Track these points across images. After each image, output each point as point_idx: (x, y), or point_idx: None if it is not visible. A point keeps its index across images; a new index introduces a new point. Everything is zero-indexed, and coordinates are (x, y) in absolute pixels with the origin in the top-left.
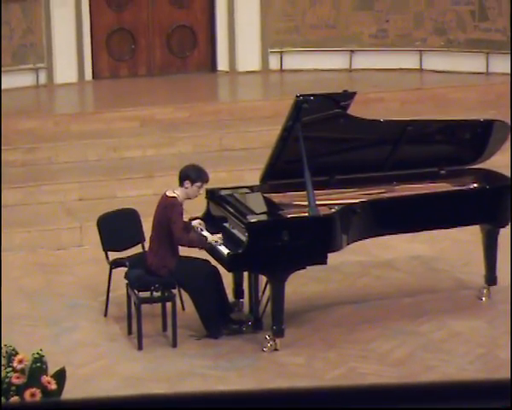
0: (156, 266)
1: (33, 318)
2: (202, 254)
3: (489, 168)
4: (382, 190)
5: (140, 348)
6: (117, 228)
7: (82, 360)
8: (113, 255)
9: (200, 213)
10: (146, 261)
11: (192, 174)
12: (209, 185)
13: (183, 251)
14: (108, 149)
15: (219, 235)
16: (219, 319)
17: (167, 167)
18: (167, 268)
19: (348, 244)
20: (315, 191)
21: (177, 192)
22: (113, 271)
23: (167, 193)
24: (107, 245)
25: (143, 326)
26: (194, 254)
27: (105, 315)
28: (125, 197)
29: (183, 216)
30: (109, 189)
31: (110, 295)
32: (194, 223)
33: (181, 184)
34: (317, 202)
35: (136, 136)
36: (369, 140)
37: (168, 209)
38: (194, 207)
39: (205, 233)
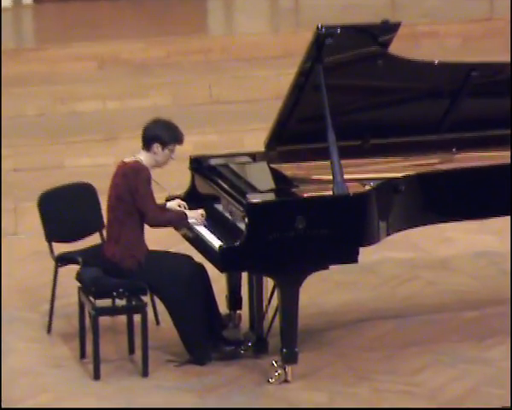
0: (120, 257)
1: None
2: (183, 248)
3: None
4: (436, 160)
5: (97, 377)
6: (65, 210)
7: (19, 393)
8: (59, 248)
9: (180, 192)
10: (104, 255)
11: (163, 134)
12: (195, 152)
13: (156, 243)
14: (54, 100)
15: (200, 211)
16: (207, 339)
17: (136, 126)
18: (135, 259)
19: (388, 235)
20: (342, 161)
21: (139, 157)
22: (60, 269)
23: (125, 160)
24: (52, 234)
25: (102, 347)
26: (171, 249)
27: (48, 332)
28: (76, 167)
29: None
30: (55, 155)
31: (56, 303)
32: (172, 204)
33: (147, 147)
34: (345, 176)
35: (92, 82)
36: (418, 90)
37: (130, 177)
38: (172, 181)
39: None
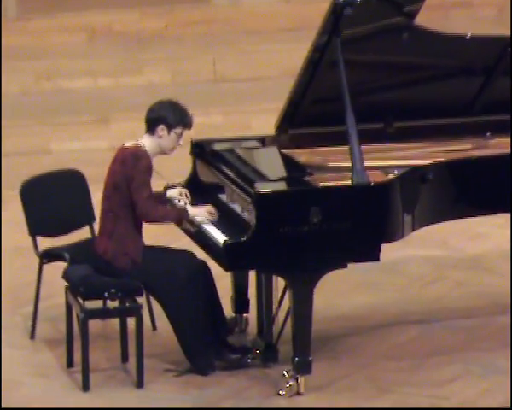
0: (112, 254)
1: None
2: (184, 244)
3: None
4: (468, 146)
5: (86, 388)
6: (51, 201)
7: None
8: (44, 243)
9: (181, 179)
10: (96, 250)
11: (169, 115)
12: (197, 135)
13: (153, 237)
14: (39, 76)
15: (208, 207)
16: (210, 346)
17: (130, 106)
18: (129, 257)
19: (414, 230)
20: (362, 147)
21: (142, 142)
22: (45, 267)
23: (126, 144)
24: (36, 227)
25: (92, 355)
26: (171, 244)
27: (32, 337)
28: (64, 152)
29: (152, 179)
30: (39, 139)
31: (40, 305)
32: (173, 193)
33: (151, 130)
34: (366, 164)
35: (81, 56)
36: (448, 67)
37: (129, 164)
38: (172, 168)
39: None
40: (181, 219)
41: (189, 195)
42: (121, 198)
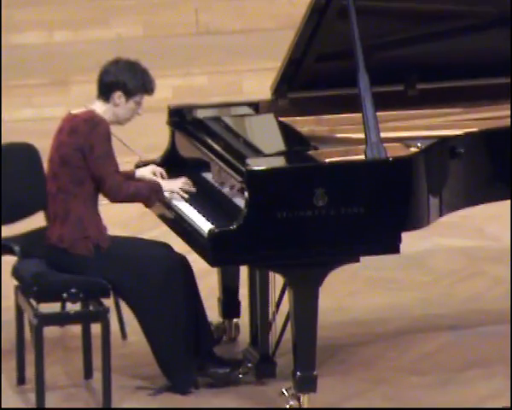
0: (69, 240)
1: None
2: (160, 234)
3: None
4: (508, 113)
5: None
6: None
7: None
8: None
9: (156, 155)
10: (49, 240)
11: (128, 80)
12: (175, 100)
13: (121, 225)
14: None
15: (182, 179)
16: (191, 358)
17: (93, 66)
18: (90, 241)
19: (442, 216)
20: (378, 113)
21: (93, 108)
22: None
23: (74, 111)
24: None
25: (48, 369)
26: (144, 236)
27: None
28: (13, 122)
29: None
30: None
31: None
32: (144, 172)
33: (105, 96)
34: (383, 134)
35: (34, 4)
36: (483, 16)
37: (83, 132)
38: (144, 141)
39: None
40: (153, 195)
41: (164, 174)
42: (73, 174)
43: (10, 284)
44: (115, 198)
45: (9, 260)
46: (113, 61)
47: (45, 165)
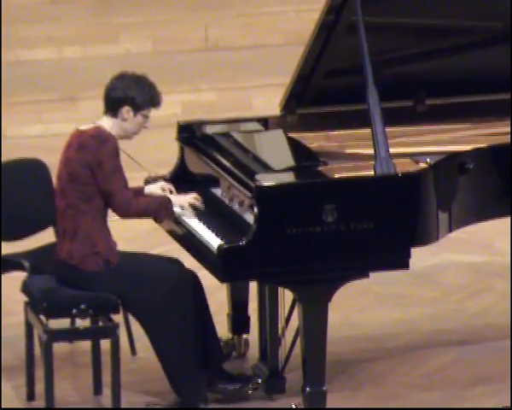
0: (79, 256)
1: None
2: (168, 250)
3: None
4: None
5: None
6: (7, 197)
7: None
8: None
9: (165, 171)
10: (58, 257)
11: (136, 94)
12: (185, 116)
13: (131, 242)
14: None
15: (192, 195)
16: (201, 374)
17: (102, 82)
18: (100, 256)
19: (451, 231)
20: (388, 129)
21: (101, 124)
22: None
23: (82, 127)
24: None
25: (58, 385)
26: (154, 251)
27: None
28: (22, 138)
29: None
30: None
31: None
32: (153, 189)
33: (113, 111)
34: (392, 150)
35: (43, 21)
36: (492, 31)
37: (91, 149)
38: (154, 156)
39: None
40: (163, 210)
41: (173, 190)
42: (82, 190)
43: (20, 299)
44: (124, 214)
45: (19, 276)
46: (119, 76)
47: (54, 180)
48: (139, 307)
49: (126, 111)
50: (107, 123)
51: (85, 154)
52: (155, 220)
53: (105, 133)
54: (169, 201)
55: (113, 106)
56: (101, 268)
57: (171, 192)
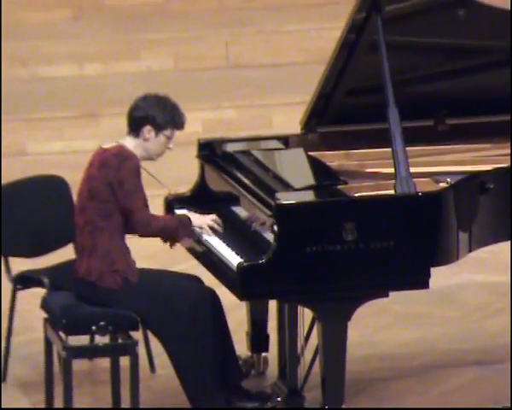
0: (97, 273)
1: None
2: (188, 268)
3: None
4: None
5: None
6: (27, 213)
7: None
8: (18, 265)
9: (185, 188)
10: (77, 273)
11: (157, 115)
12: (205, 134)
13: (150, 258)
14: (13, 61)
15: (213, 216)
16: (220, 392)
17: (124, 99)
18: (119, 274)
19: (471, 251)
20: (408, 148)
21: (124, 144)
22: (20, 294)
23: (105, 146)
24: (9, 246)
25: (77, 401)
26: (174, 268)
27: (3, 380)
28: (43, 154)
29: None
30: (14, 138)
31: (13, 340)
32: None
33: (135, 131)
34: (413, 169)
35: (65, 37)
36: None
37: (112, 167)
38: (174, 173)
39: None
40: (182, 229)
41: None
42: (101, 208)
43: (39, 316)
44: (144, 232)
45: (39, 292)
46: (143, 97)
47: (75, 197)
48: (158, 324)
49: (148, 131)
50: (130, 143)
51: (107, 171)
52: (174, 239)
53: (127, 152)
54: (189, 220)
55: (135, 126)
56: (120, 286)
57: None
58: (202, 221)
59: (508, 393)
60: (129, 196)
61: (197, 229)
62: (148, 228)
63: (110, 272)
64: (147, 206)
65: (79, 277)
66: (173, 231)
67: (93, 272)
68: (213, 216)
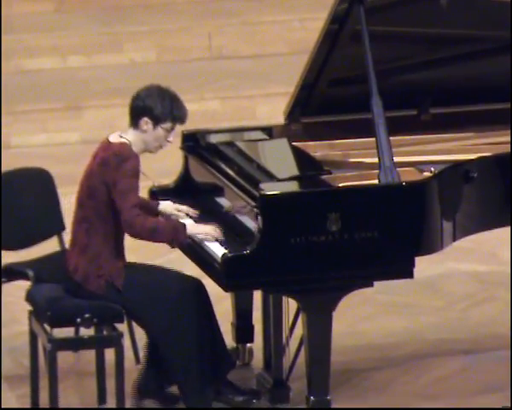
0: (83, 274)
1: None
2: (170, 259)
3: None
4: None
5: None
6: (11, 206)
7: None
8: (2, 257)
9: (169, 180)
10: (66, 265)
11: (155, 106)
12: (189, 125)
13: (135, 251)
14: None
15: (212, 226)
16: (208, 383)
17: (108, 91)
18: (105, 278)
19: (455, 240)
20: (392, 138)
21: (126, 137)
22: (4, 287)
23: (111, 138)
24: None
25: (62, 394)
26: (157, 261)
27: None
28: (26, 147)
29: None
30: None
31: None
32: (166, 207)
33: (134, 122)
34: (396, 159)
35: (48, 30)
36: (497, 40)
37: (110, 166)
38: (158, 165)
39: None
40: (175, 235)
41: (191, 212)
42: (96, 206)
43: (24, 309)
44: (129, 233)
45: (23, 285)
46: (144, 88)
47: (59, 190)
48: (144, 318)
49: (145, 123)
50: (131, 136)
51: (105, 170)
52: (169, 244)
53: (127, 151)
54: (183, 227)
55: (134, 116)
56: (103, 290)
57: (187, 215)
58: (200, 230)
59: (494, 382)
60: (120, 196)
61: (200, 236)
62: (133, 229)
63: (95, 277)
64: (136, 206)
65: (68, 270)
66: (165, 236)
67: (79, 272)
68: (212, 226)
